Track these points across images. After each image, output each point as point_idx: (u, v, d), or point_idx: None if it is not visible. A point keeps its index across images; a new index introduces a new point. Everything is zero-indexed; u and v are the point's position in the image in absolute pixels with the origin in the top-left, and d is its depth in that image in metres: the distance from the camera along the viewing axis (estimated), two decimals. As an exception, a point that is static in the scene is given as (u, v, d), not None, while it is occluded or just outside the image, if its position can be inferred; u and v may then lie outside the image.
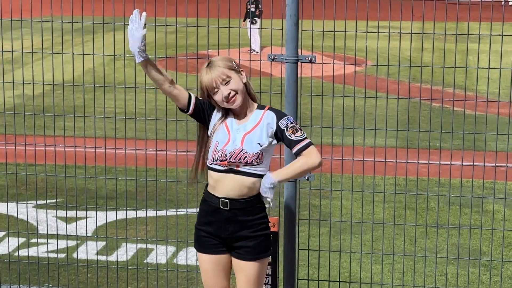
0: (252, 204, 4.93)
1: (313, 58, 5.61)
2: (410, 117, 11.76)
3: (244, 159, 4.82)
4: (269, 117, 4.90)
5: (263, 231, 4.98)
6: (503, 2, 25.30)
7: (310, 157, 4.77)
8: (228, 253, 5.03)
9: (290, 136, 4.83)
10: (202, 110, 4.94)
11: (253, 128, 4.88)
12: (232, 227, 4.93)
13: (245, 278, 4.98)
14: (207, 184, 5.06)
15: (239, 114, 4.93)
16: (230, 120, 4.94)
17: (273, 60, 5.64)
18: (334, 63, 6.15)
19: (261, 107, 4.96)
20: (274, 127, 4.87)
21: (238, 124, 4.91)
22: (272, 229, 5.51)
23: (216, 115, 4.98)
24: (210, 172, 4.96)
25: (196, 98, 4.96)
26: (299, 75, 5.73)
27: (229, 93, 4.80)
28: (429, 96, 13.27)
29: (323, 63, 6.10)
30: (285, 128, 4.85)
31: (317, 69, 6.30)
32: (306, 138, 4.82)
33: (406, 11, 6.20)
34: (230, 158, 4.82)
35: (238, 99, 4.83)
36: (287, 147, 5.06)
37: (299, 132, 4.83)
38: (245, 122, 4.92)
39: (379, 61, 6.33)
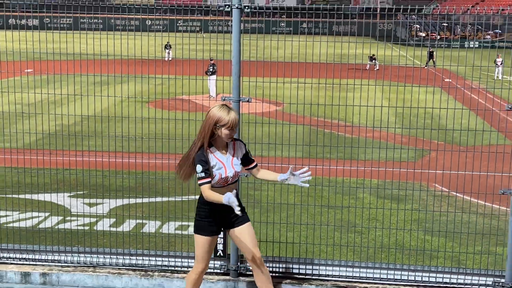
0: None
1: (249, 99, 5.62)
2: (311, 138, 11.87)
3: (237, 175, 4.67)
4: (240, 144, 4.72)
5: (242, 205, 4.71)
6: (367, 67, 25.76)
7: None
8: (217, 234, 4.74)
9: (251, 156, 4.73)
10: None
11: (233, 154, 4.67)
12: (230, 213, 4.64)
13: (251, 234, 4.69)
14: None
15: (224, 146, 4.66)
16: (218, 154, 4.64)
17: (224, 100, 5.64)
18: (263, 103, 6.16)
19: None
20: (244, 150, 4.72)
21: (224, 155, 4.65)
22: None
23: (210, 159, 4.62)
24: (212, 188, 4.59)
25: (206, 171, 4.53)
26: (240, 111, 5.73)
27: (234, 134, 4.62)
28: (323, 124, 13.41)
29: (256, 103, 6.11)
30: (248, 151, 4.74)
31: (252, 108, 6.31)
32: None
33: (309, 71, 6.26)
34: (231, 180, 4.65)
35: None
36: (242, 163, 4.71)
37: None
38: (227, 151, 4.67)
39: (291, 102, 6.37)
